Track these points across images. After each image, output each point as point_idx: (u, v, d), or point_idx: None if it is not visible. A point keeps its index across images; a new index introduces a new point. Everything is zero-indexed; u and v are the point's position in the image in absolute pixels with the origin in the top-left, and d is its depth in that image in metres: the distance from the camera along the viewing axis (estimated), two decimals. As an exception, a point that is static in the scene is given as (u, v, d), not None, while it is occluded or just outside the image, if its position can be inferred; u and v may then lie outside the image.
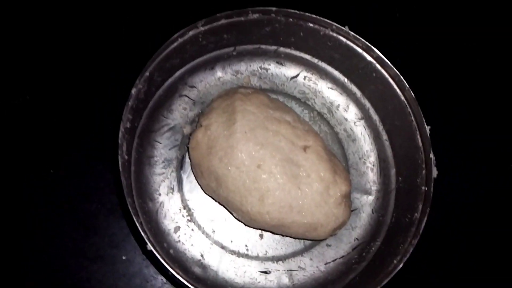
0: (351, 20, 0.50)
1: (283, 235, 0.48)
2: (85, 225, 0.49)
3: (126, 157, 0.42)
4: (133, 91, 0.42)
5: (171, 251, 0.46)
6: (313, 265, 0.48)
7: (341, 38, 0.50)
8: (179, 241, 0.47)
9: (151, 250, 0.37)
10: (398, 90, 0.49)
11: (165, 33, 0.46)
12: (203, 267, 0.47)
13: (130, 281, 0.48)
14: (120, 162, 0.40)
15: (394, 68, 0.49)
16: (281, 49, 0.54)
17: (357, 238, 0.50)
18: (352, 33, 0.49)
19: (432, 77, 0.62)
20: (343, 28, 0.49)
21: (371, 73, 0.51)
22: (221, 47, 0.52)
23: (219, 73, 0.54)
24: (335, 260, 0.49)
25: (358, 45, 0.50)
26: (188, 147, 0.48)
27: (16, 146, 0.52)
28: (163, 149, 0.50)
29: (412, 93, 0.48)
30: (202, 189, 0.48)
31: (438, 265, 0.54)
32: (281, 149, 0.45)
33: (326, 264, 0.49)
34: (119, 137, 0.40)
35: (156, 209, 0.47)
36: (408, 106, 0.49)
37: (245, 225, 0.47)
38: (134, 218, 0.38)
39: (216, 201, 0.48)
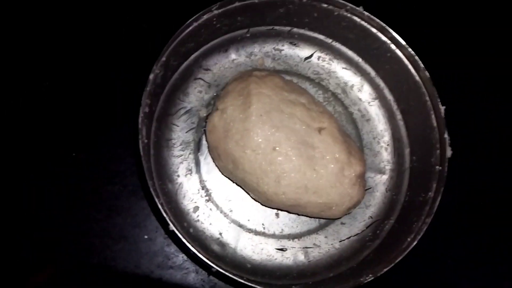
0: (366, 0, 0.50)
1: (298, 214, 0.49)
2: (108, 207, 0.51)
3: (146, 140, 0.43)
4: (151, 76, 0.43)
5: (191, 230, 0.47)
6: (328, 242, 0.50)
7: (356, 18, 0.50)
8: (198, 220, 0.49)
9: (173, 230, 0.39)
10: (413, 70, 0.49)
11: (180, 17, 0.46)
12: (222, 245, 0.49)
13: (152, 259, 0.50)
14: (140, 146, 0.41)
15: (409, 48, 0.48)
16: (295, 30, 0.54)
17: (371, 217, 0.51)
18: (366, 13, 0.49)
19: (447, 57, 0.61)
20: (357, 8, 0.49)
21: (386, 53, 0.51)
22: (234, 29, 0.53)
23: (233, 55, 0.55)
24: (349, 237, 0.50)
25: (372, 25, 0.50)
26: (205, 130, 0.49)
27: (38, 131, 0.54)
28: (180, 132, 0.51)
29: (427, 73, 0.48)
30: (219, 170, 0.50)
31: (451, 244, 0.55)
32: (296, 131, 0.46)
33: (340, 241, 0.50)
34: (139, 121, 0.42)
35: (176, 190, 0.49)
36: (423, 86, 0.49)
37: (262, 204, 0.49)
38: (156, 200, 0.39)
39: (233, 182, 0.49)
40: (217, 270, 0.39)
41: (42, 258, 0.50)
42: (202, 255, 0.39)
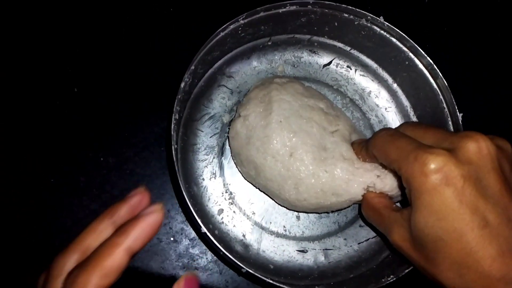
0: (385, 8, 0.51)
1: (319, 213, 0.51)
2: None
3: (175, 146, 0.45)
4: (182, 84, 0.45)
5: (216, 232, 0.49)
6: (347, 244, 0.52)
7: (375, 27, 0.52)
8: (223, 222, 0.51)
9: (204, 232, 0.41)
10: (430, 78, 0.51)
11: (202, 27, 0.48)
12: (245, 246, 0.50)
13: (178, 261, 0.52)
14: (173, 151, 0.43)
15: (428, 57, 0.50)
16: (315, 38, 0.56)
17: (388, 220, 0.53)
18: (386, 23, 0.50)
19: (464, 64, 0.63)
20: (377, 18, 0.50)
21: (404, 62, 0.53)
22: (257, 38, 0.54)
23: (254, 63, 0.56)
24: (368, 239, 0.52)
25: (392, 35, 0.51)
26: (228, 136, 0.51)
27: (66, 135, 0.56)
28: (204, 137, 0.53)
29: (445, 81, 0.50)
30: (242, 176, 0.52)
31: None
32: (313, 135, 0.47)
33: (359, 243, 0.52)
34: (172, 128, 0.43)
35: (201, 193, 0.51)
36: (440, 93, 0.51)
37: (288, 209, 0.50)
38: (189, 203, 0.41)
39: (256, 188, 0.51)
40: (247, 271, 0.41)
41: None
42: (233, 256, 0.41)
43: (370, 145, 0.42)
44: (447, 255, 0.32)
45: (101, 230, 0.28)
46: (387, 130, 0.41)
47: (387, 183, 0.44)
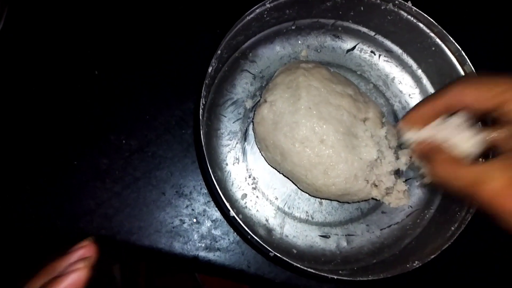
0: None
1: (349, 202, 0.51)
2: (156, 190, 0.54)
3: (201, 130, 0.45)
4: (209, 69, 0.45)
5: (240, 216, 0.49)
6: (369, 230, 0.52)
7: (402, 12, 0.51)
8: (246, 207, 0.51)
9: (233, 216, 0.41)
10: (457, 64, 0.50)
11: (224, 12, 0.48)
12: (268, 230, 0.51)
13: (201, 241, 0.53)
14: (202, 136, 0.43)
15: (456, 43, 0.49)
16: (339, 22, 0.56)
17: (410, 206, 0.53)
18: (414, 8, 0.50)
19: (492, 51, 0.62)
20: (405, 3, 0.50)
21: (430, 47, 0.52)
22: (281, 22, 0.54)
23: (277, 48, 0.56)
24: (390, 226, 0.52)
25: (419, 20, 0.51)
26: (253, 122, 0.51)
27: (89, 118, 0.56)
28: (227, 122, 0.53)
29: (472, 67, 0.49)
30: (266, 161, 0.52)
31: (496, 236, 0.56)
32: (343, 122, 0.47)
33: (381, 230, 0.52)
34: (199, 112, 0.43)
35: (225, 178, 0.51)
36: (467, 80, 0.50)
37: (310, 195, 0.51)
38: (218, 189, 0.42)
39: (280, 172, 0.51)
40: (274, 255, 0.42)
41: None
42: (261, 241, 0.41)
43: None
44: None
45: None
46: None
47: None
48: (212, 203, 0.53)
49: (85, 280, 0.28)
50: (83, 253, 0.30)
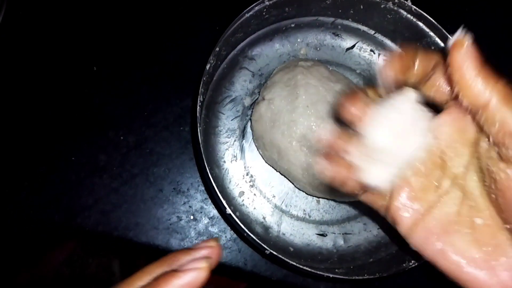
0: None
1: (337, 201, 0.51)
2: (154, 187, 0.54)
3: (199, 127, 0.45)
4: (207, 66, 0.45)
5: (237, 213, 0.50)
6: (366, 229, 0.52)
7: (402, 11, 0.51)
8: (243, 204, 0.51)
9: (230, 214, 0.41)
10: (457, 64, 0.50)
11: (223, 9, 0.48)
12: (265, 228, 0.51)
13: (198, 238, 0.53)
14: (199, 133, 0.43)
15: (455, 43, 0.49)
16: (339, 20, 0.55)
17: (408, 206, 0.53)
18: (414, 7, 0.49)
19: (492, 50, 0.61)
20: (405, 2, 0.49)
21: (429, 46, 0.52)
22: (281, 20, 0.54)
23: (276, 45, 0.56)
24: (387, 225, 0.52)
25: (419, 19, 0.50)
26: (251, 119, 0.51)
27: (87, 114, 0.56)
28: (225, 120, 0.53)
29: (472, 68, 0.49)
30: (263, 159, 0.52)
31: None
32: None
33: (378, 228, 0.52)
34: (197, 110, 0.43)
35: (222, 175, 0.51)
36: (466, 80, 0.50)
37: (306, 194, 0.51)
38: (215, 186, 0.42)
39: (277, 171, 0.51)
40: (271, 253, 0.42)
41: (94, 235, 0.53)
42: (258, 239, 0.41)
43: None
44: None
45: (156, 274, 0.28)
46: None
47: None
48: (209, 200, 0.53)
49: (203, 281, 0.27)
50: (208, 253, 0.28)
